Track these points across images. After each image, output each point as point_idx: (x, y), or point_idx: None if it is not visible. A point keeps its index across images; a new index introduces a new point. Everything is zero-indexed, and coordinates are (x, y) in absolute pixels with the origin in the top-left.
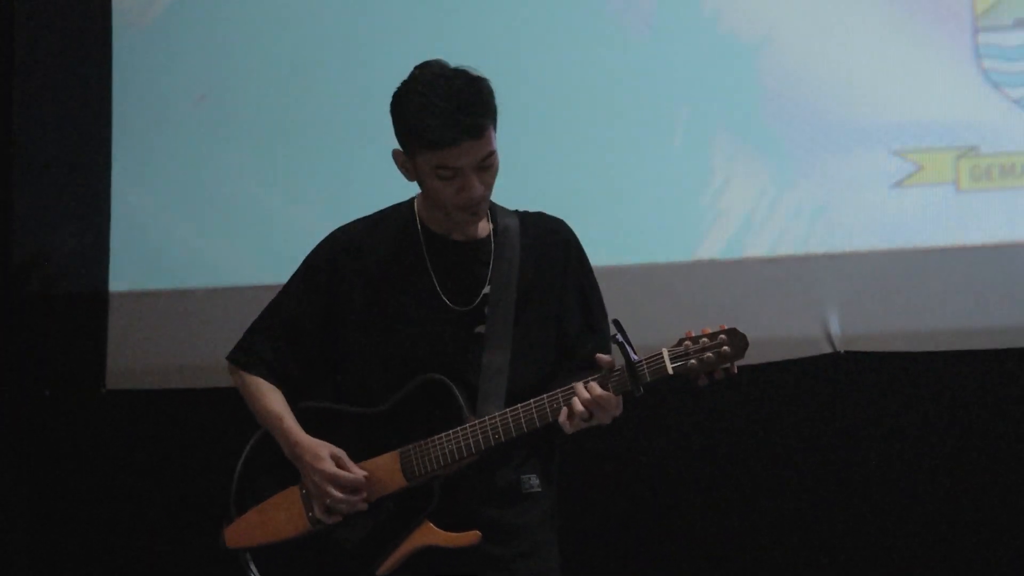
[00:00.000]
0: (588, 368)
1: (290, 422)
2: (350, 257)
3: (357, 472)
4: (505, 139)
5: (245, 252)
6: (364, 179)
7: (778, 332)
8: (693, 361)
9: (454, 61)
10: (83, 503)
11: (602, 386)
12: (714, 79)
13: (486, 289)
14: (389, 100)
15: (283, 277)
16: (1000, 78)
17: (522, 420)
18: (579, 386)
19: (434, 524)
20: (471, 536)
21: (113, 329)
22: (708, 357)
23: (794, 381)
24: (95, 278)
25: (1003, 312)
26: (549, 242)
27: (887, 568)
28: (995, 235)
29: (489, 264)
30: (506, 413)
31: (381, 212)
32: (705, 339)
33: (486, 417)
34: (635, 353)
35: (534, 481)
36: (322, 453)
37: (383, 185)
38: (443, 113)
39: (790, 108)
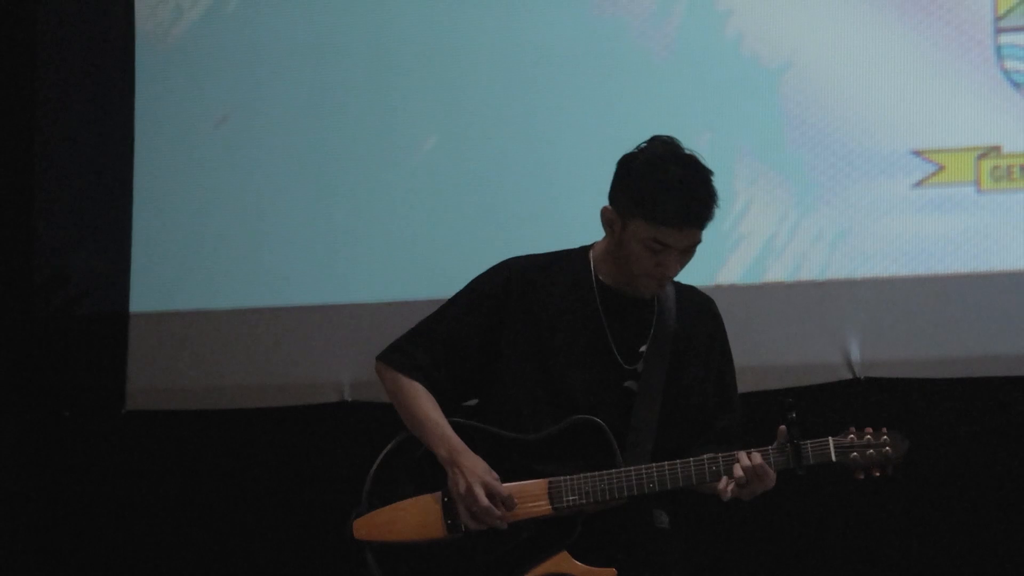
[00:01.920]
0: (719, 443)
1: (450, 431)
2: (522, 290)
3: (505, 490)
4: (528, 163)
5: (266, 273)
6: (385, 201)
7: (798, 357)
8: (856, 454)
9: (477, 88)
10: (102, 523)
11: (764, 458)
12: (736, 103)
13: (643, 347)
14: (410, 121)
15: (304, 299)
16: (1022, 78)
17: (679, 475)
18: (742, 453)
19: (571, 555)
20: (608, 573)
21: (133, 350)
22: (870, 454)
23: (813, 407)
24: (116, 299)
25: None
26: (701, 314)
27: None
28: (1014, 254)
29: (651, 324)
30: (663, 466)
31: (554, 253)
32: (870, 436)
33: (642, 466)
34: (802, 436)
35: (664, 518)
36: (480, 464)
37: (403, 206)
38: (680, 196)
39: (812, 133)
